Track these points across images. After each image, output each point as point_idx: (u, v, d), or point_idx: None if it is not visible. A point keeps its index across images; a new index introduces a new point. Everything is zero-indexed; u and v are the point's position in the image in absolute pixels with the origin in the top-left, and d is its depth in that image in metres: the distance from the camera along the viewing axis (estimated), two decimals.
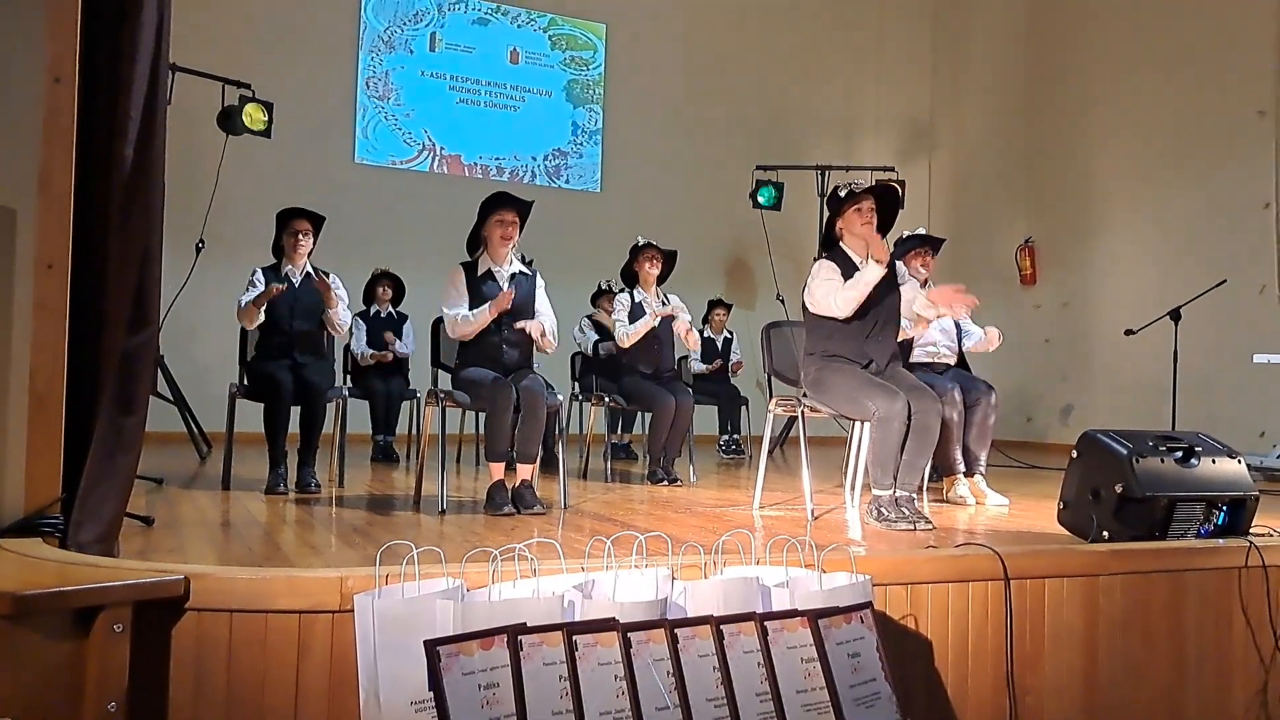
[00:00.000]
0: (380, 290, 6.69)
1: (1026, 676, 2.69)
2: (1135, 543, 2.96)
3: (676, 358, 5.75)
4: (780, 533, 3.52)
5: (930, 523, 3.59)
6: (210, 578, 2.08)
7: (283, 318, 4.71)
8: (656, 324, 5.28)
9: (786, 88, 10.28)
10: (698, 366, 7.54)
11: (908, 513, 3.61)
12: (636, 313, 5.40)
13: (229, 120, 7.02)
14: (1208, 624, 2.93)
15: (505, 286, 4.15)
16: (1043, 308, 10.11)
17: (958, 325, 5.86)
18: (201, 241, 6.88)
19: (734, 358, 7.79)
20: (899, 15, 11.13)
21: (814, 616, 2.05)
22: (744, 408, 7.57)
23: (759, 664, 1.98)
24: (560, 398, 4.36)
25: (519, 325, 4.12)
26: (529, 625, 1.89)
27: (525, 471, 3.99)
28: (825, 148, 9.94)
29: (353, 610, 2.05)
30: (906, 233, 5.27)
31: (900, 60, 11.09)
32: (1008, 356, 10.24)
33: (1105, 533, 3.09)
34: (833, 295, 3.83)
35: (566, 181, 9.65)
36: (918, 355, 4.99)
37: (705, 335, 7.66)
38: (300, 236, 4.77)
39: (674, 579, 2.22)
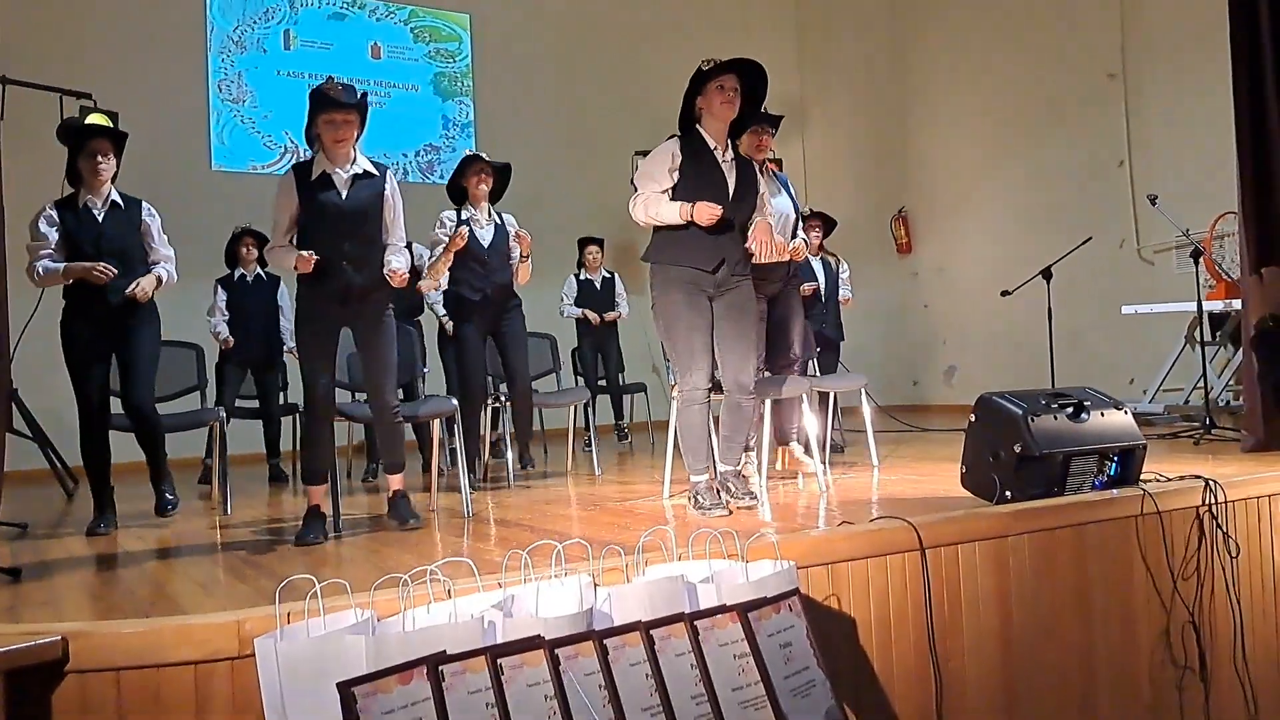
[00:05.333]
0: (244, 250, 6.06)
1: (947, 642, 2.72)
2: (1037, 500, 3.03)
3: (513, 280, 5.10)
4: (686, 516, 3.48)
5: (755, 498, 3.53)
6: (91, 635, 1.90)
7: (88, 256, 3.92)
8: (459, 243, 4.72)
9: (656, 71, 10.20)
10: (571, 311, 7.25)
11: (734, 489, 3.54)
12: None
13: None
14: (1110, 572, 3.02)
15: (344, 191, 3.58)
16: (920, 274, 10.40)
17: (836, 270, 6.10)
18: None
19: (621, 305, 7.41)
20: None
21: (743, 610, 2.00)
22: (628, 396, 7.55)
23: (692, 665, 1.92)
24: (453, 402, 4.21)
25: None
26: (449, 653, 1.78)
27: (397, 481, 3.76)
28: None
29: (254, 655, 1.91)
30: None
31: (768, 38, 11.17)
32: (891, 323, 10.56)
33: (1008, 492, 3.15)
34: (648, 206, 3.52)
35: (441, 177, 9.37)
36: None
37: (582, 278, 7.39)
38: (99, 159, 4.02)
39: (596, 585, 2.14)
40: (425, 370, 4.53)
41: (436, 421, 4.29)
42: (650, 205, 3.53)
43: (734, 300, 3.60)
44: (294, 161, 7.19)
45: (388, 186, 3.72)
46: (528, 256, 4.95)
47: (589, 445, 5.87)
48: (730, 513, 3.42)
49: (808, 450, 4.67)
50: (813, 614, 2.39)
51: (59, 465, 6.15)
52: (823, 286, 6.06)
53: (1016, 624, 2.83)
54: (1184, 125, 7.79)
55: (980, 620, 2.76)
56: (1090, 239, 6.82)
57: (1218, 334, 6.74)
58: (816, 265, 6.08)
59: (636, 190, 3.63)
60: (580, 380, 7.35)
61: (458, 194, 5.06)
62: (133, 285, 4.01)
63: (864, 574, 2.60)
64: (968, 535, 2.77)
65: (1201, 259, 5.90)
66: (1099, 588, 2.99)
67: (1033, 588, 2.87)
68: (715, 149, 3.60)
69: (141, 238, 4.19)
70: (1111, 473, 3.31)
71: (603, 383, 7.41)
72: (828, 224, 6.19)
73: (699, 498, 3.54)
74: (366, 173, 3.66)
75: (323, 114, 3.54)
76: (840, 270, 6.35)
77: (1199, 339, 6.29)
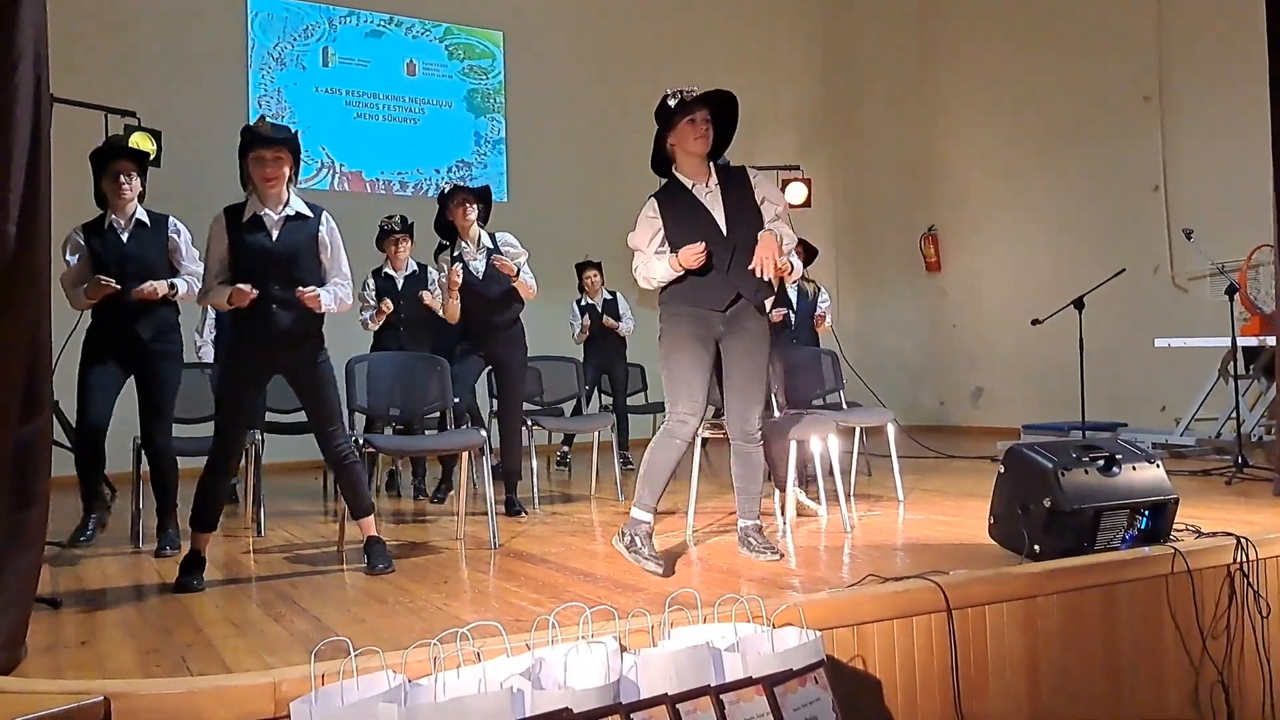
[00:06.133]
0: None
1: (973, 703, 2.71)
2: (1067, 559, 3.02)
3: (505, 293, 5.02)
4: (716, 562, 3.50)
5: (779, 554, 3.40)
6: (132, 696, 1.94)
7: (112, 276, 3.98)
8: (456, 281, 4.75)
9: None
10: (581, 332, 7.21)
11: (755, 544, 3.42)
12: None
13: None
14: (1140, 633, 3.00)
15: (275, 233, 3.48)
16: (949, 294, 10.35)
17: (813, 301, 6.05)
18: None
19: (625, 320, 7.29)
20: (790, 11, 11.24)
21: (769, 684, 2.02)
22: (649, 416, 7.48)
23: None
24: (482, 433, 4.25)
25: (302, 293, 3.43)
26: None
27: (368, 526, 3.66)
28: (730, 147, 9.96)
29: (289, 717, 1.95)
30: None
31: (795, 55, 11.19)
32: (919, 342, 10.52)
33: (1036, 546, 3.14)
34: (645, 273, 3.44)
35: None
36: None
37: (583, 303, 7.32)
38: (122, 180, 4.03)
39: (623, 650, 2.17)
40: (455, 401, 4.55)
41: (466, 453, 4.32)
42: (644, 271, 3.44)
43: (746, 340, 3.44)
44: (328, 177, 7.13)
45: (323, 228, 3.59)
46: (517, 273, 4.87)
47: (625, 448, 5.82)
48: (663, 570, 3.24)
49: (805, 484, 4.61)
50: (838, 676, 2.40)
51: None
52: (794, 314, 5.97)
53: (1044, 684, 2.83)
54: (1222, 151, 7.71)
55: (1007, 681, 2.76)
56: (1124, 270, 6.75)
57: (1250, 367, 6.66)
58: (792, 292, 6.00)
59: (635, 262, 3.53)
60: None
61: (447, 230, 4.98)
62: (142, 285, 4.04)
63: (890, 635, 2.60)
64: (996, 596, 2.76)
65: (1237, 295, 5.83)
66: (1128, 647, 2.98)
67: (1061, 648, 2.86)
68: (694, 186, 3.44)
69: (170, 255, 4.21)
70: (1142, 526, 3.29)
71: (608, 400, 7.33)
72: (809, 251, 6.09)
73: (636, 540, 3.35)
74: (300, 214, 3.55)
75: (252, 151, 3.46)
76: (819, 299, 6.17)
77: (1232, 373, 6.23)
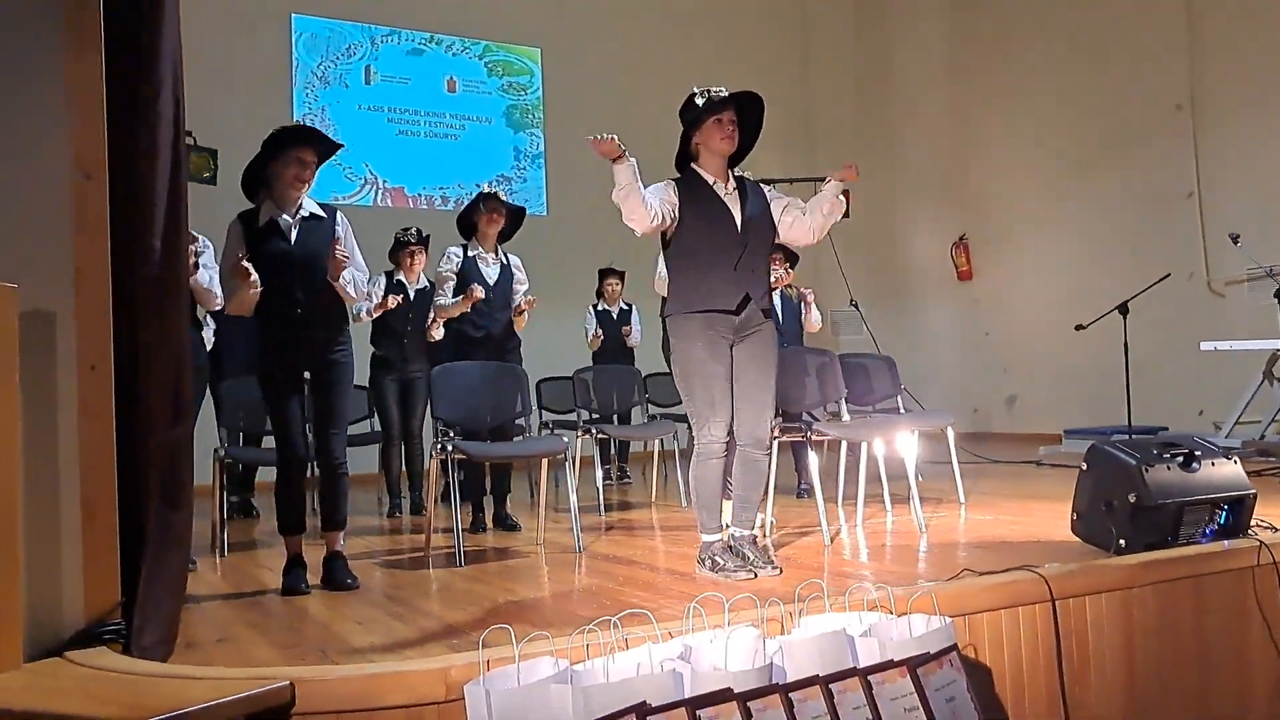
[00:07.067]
0: None
1: (1076, 692, 2.81)
2: (1156, 551, 3.12)
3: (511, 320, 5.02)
4: (801, 561, 3.60)
5: (778, 567, 3.31)
6: (314, 682, 2.06)
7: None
8: (476, 297, 4.68)
9: None
10: (593, 333, 7.16)
11: (752, 556, 3.31)
12: (468, 267, 4.85)
13: None
14: (1228, 623, 3.10)
15: (292, 236, 3.52)
16: (981, 302, 10.45)
17: (797, 304, 6.08)
18: None
19: (634, 329, 7.27)
20: (822, 26, 11.40)
21: (912, 665, 2.12)
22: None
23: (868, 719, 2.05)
24: (565, 440, 4.36)
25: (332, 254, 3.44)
26: (651, 705, 1.92)
27: (335, 540, 3.62)
28: (764, 161, 10.08)
29: (460, 699, 2.06)
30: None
31: (827, 63, 11.34)
32: (951, 350, 10.61)
33: (1122, 541, 3.24)
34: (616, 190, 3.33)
35: None
36: None
37: (600, 309, 7.28)
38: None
39: (764, 637, 2.28)
40: (531, 409, 4.62)
41: (545, 460, 4.43)
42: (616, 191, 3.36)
43: (756, 345, 3.41)
44: (371, 193, 7.23)
45: (339, 227, 3.61)
46: (523, 313, 4.92)
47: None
48: (755, 575, 3.21)
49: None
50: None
51: None
52: (779, 320, 5.95)
53: (1139, 674, 2.92)
54: (1257, 157, 7.81)
55: (1107, 670, 2.86)
56: (1169, 275, 6.85)
57: None
58: (775, 299, 5.82)
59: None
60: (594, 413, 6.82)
61: (467, 228, 4.96)
62: None
63: (999, 624, 2.70)
64: (1095, 587, 2.86)
65: None
66: (1216, 638, 3.07)
67: (1157, 638, 2.95)
68: (715, 183, 3.45)
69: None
70: (1221, 521, 3.39)
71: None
72: (790, 258, 6.12)
73: (717, 560, 3.31)
74: (315, 215, 3.58)
75: (294, 150, 3.47)
76: (804, 310, 6.01)
77: (1278, 375, 6.32)
